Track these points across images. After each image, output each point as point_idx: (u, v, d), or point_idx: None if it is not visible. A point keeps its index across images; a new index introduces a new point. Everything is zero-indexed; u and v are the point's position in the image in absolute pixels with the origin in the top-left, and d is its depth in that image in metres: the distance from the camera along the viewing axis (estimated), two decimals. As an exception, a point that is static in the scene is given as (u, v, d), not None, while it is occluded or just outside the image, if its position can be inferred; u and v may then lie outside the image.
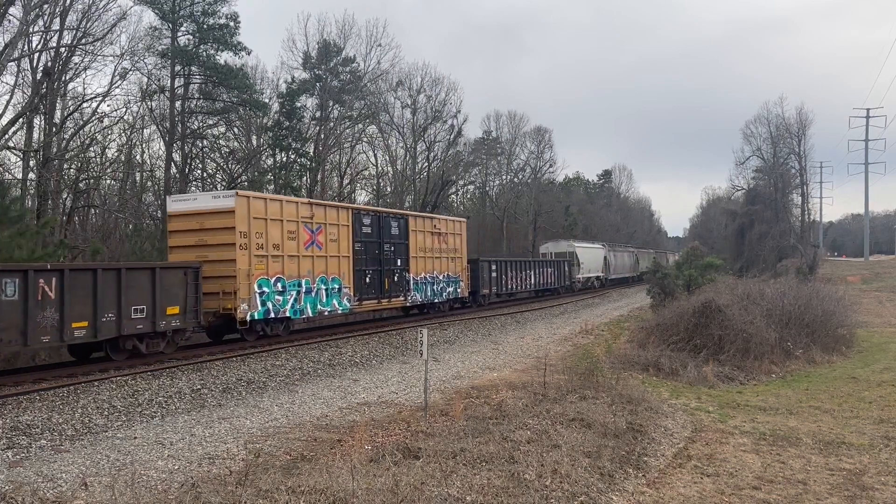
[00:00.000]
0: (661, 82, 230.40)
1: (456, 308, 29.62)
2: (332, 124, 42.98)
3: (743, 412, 13.31)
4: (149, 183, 37.50)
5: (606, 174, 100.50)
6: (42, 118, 27.86)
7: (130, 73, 32.12)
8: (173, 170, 34.97)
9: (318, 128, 42.34)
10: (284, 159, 39.92)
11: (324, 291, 20.10)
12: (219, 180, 38.96)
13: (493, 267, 32.42)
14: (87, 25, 27.34)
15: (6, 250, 17.08)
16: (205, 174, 39.25)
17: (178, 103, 34.43)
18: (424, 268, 25.65)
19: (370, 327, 23.18)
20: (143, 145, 38.67)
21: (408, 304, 24.88)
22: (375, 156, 52.98)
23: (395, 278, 23.74)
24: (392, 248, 23.59)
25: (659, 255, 73.84)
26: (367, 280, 22.23)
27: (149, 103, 35.17)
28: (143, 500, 7.00)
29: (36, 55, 26.95)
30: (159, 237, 30.49)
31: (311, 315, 19.86)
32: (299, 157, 39.83)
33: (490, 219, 64.38)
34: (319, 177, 43.00)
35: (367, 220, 22.48)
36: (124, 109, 34.17)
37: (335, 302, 20.67)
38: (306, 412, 12.10)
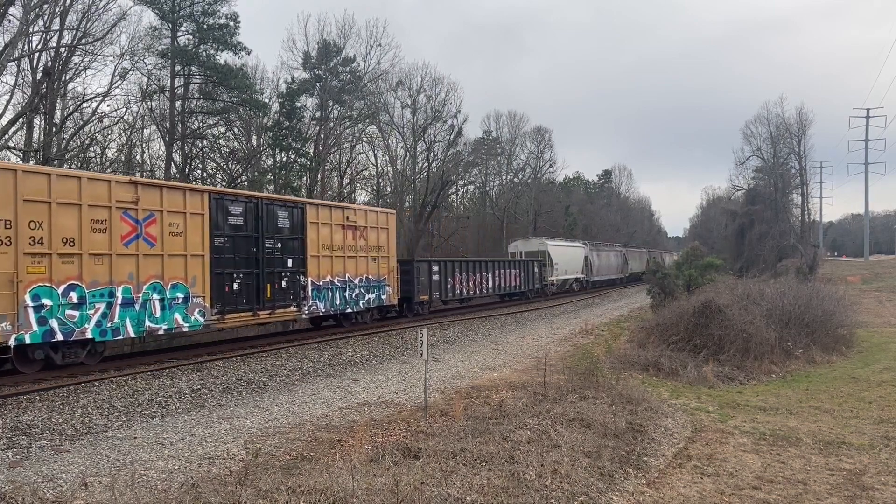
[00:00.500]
0: (661, 82, 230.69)
1: (389, 318, 25.88)
2: (332, 124, 42.99)
3: (743, 412, 13.30)
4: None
5: (606, 174, 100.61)
6: (42, 118, 27.89)
7: (130, 73, 32.22)
8: (173, 170, 34.98)
9: (318, 128, 42.36)
10: (284, 159, 39.95)
11: (157, 302, 15.19)
12: (219, 180, 39.00)
13: (436, 268, 27.86)
14: (87, 25, 27.40)
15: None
16: (205, 174, 39.28)
17: (178, 103, 34.45)
18: (331, 270, 20.63)
19: (370, 327, 23.17)
20: (143, 145, 38.74)
21: (304, 316, 19.79)
22: (375, 156, 53.05)
23: (283, 283, 18.83)
24: (279, 246, 18.66)
25: (653, 255, 71.85)
26: (235, 287, 17.41)
27: (149, 103, 35.24)
28: (143, 500, 7.00)
29: (36, 55, 26.97)
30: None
31: (134, 334, 14.86)
32: (299, 157, 39.85)
33: (490, 219, 64.43)
34: (319, 177, 43.02)
35: (235, 209, 17.56)
36: (124, 109, 34.27)
37: (178, 316, 15.75)
38: (306, 412, 12.10)
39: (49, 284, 13.10)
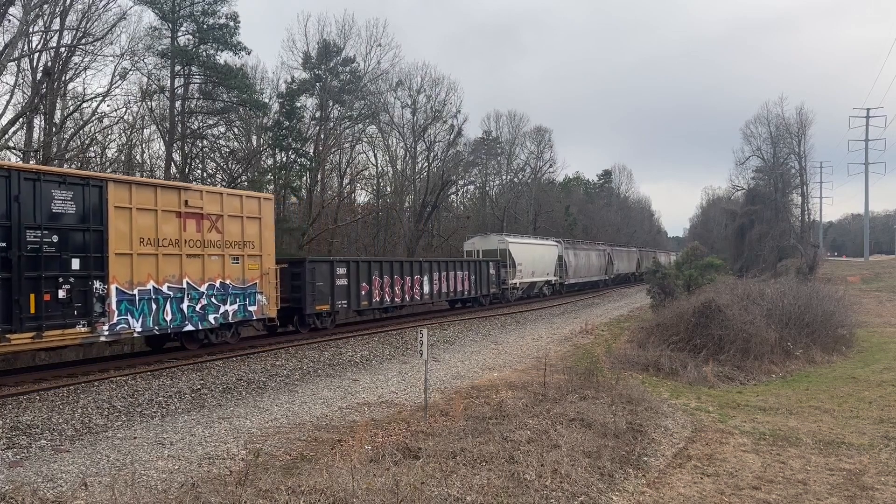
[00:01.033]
0: (661, 82, 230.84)
1: (260, 335, 20.43)
2: (332, 124, 42.97)
3: (743, 412, 13.30)
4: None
5: (606, 174, 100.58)
6: (42, 118, 27.87)
7: (130, 73, 32.15)
8: (173, 170, 34.95)
9: (318, 128, 42.33)
10: (284, 159, 39.92)
11: None
12: (219, 180, 38.98)
13: (341, 270, 21.83)
14: (87, 25, 27.36)
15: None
16: (205, 174, 39.25)
17: (178, 103, 34.43)
18: (156, 273, 15.25)
19: (371, 328, 23.17)
20: (143, 145, 38.70)
21: (103, 337, 14.13)
22: (375, 156, 52.99)
23: (62, 293, 13.37)
24: (54, 239, 13.26)
25: (645, 254, 69.12)
26: None
27: (149, 103, 35.21)
28: (143, 500, 7.00)
29: (36, 55, 26.96)
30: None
31: None
32: (299, 157, 39.82)
33: (490, 219, 64.37)
34: (319, 177, 42.99)
35: None
36: (124, 109, 34.23)
37: None
38: (306, 412, 12.10)
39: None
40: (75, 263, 13.78)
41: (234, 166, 38.62)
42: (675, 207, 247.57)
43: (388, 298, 24.44)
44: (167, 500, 7.00)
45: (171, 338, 17.16)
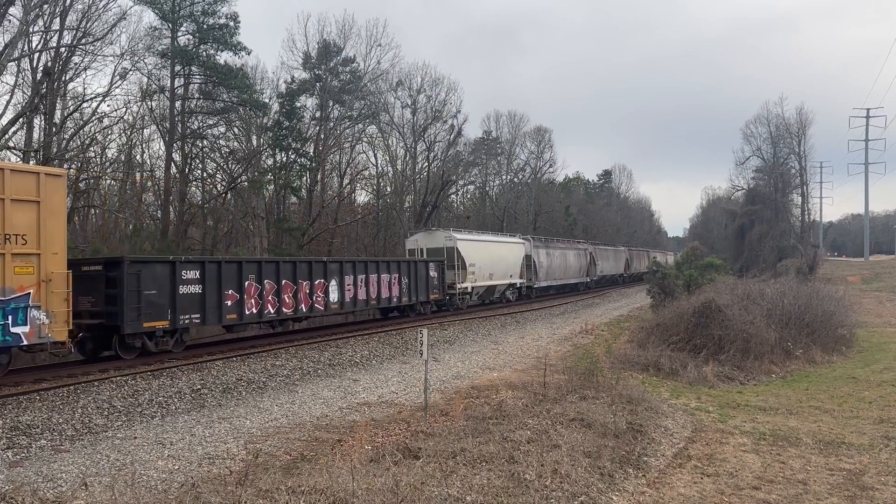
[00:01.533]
0: (661, 82, 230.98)
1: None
2: (332, 124, 42.98)
3: (743, 412, 13.30)
4: (149, 183, 37.54)
5: (606, 174, 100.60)
6: (42, 118, 27.87)
7: (130, 73, 32.15)
8: (173, 170, 34.97)
9: (318, 128, 42.34)
10: (284, 159, 39.93)
11: None
12: (219, 180, 39.00)
13: (190, 274, 16.70)
14: (87, 25, 27.36)
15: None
16: (205, 174, 39.29)
17: (178, 103, 34.44)
18: None
19: (371, 327, 23.16)
20: (143, 145, 38.74)
21: None
22: (375, 156, 53.00)
23: None
24: None
25: (637, 255, 65.30)
26: None
27: (149, 103, 35.24)
28: (143, 500, 7.00)
29: (36, 55, 26.96)
30: (159, 237, 30.56)
31: None
32: (299, 157, 39.83)
33: (490, 219, 64.37)
34: (319, 177, 43.01)
35: None
36: (124, 109, 34.22)
37: None
38: (306, 412, 12.10)
39: None
40: None
41: (234, 166, 38.64)
42: (675, 207, 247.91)
43: (271, 309, 18.86)
44: (167, 500, 7.00)
45: None
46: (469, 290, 30.62)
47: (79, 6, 27.21)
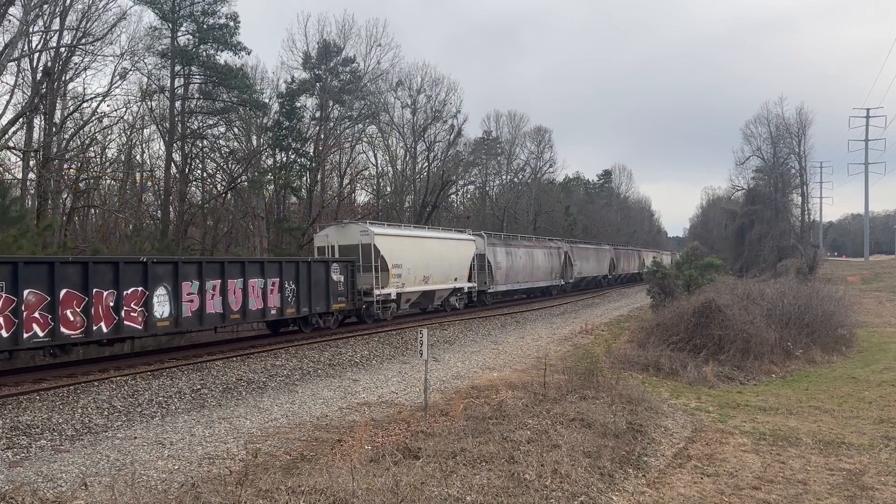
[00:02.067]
0: (661, 82, 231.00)
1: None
2: (332, 124, 42.99)
3: (743, 412, 13.30)
4: (149, 183, 37.56)
5: (606, 174, 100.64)
6: (42, 118, 27.90)
7: (130, 73, 32.22)
8: (173, 170, 34.98)
9: (318, 128, 42.36)
10: (284, 159, 39.95)
11: None
12: (219, 180, 39.02)
13: None
14: (87, 25, 27.40)
15: (7, 251, 17.09)
16: (205, 174, 39.30)
17: (178, 103, 34.46)
18: None
19: (371, 327, 23.16)
20: (143, 145, 38.79)
21: None
22: (375, 156, 53.04)
23: None
24: None
25: (626, 255, 61.60)
26: None
27: (149, 103, 35.27)
28: (143, 500, 7.00)
29: (36, 55, 26.97)
30: (159, 237, 30.56)
31: None
32: (299, 157, 39.85)
33: (490, 219, 64.38)
34: (319, 177, 43.01)
35: None
36: (124, 109, 34.28)
37: None
38: (306, 412, 12.10)
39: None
40: None
41: (234, 166, 38.67)
42: (675, 207, 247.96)
43: (38, 332, 13.11)
44: (167, 500, 7.00)
45: None
46: (393, 296, 24.74)
47: (79, 6, 27.26)
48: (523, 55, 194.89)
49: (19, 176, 26.80)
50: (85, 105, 30.47)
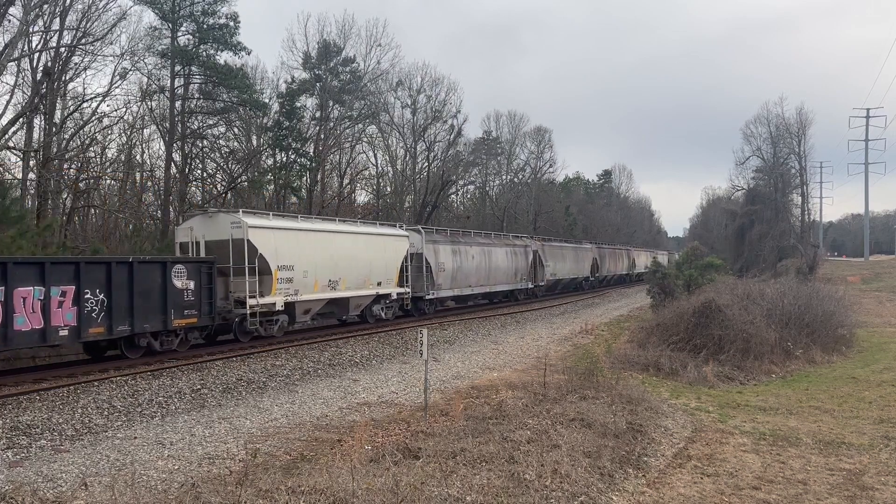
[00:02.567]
0: (661, 82, 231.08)
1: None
2: (332, 124, 42.97)
3: (743, 412, 13.30)
4: (149, 183, 37.55)
5: (606, 174, 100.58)
6: (42, 118, 27.87)
7: (130, 73, 32.14)
8: (173, 170, 34.95)
9: (318, 128, 42.33)
10: (284, 159, 39.92)
11: None
12: (219, 180, 39.00)
13: None
14: (87, 25, 27.34)
15: (6, 251, 17.09)
16: (205, 174, 39.28)
17: (178, 103, 34.43)
18: None
19: (370, 327, 23.15)
20: (143, 145, 38.72)
21: None
22: (375, 156, 53.00)
23: None
24: None
25: (613, 255, 57.76)
26: None
27: (149, 103, 35.22)
28: (143, 500, 7.00)
29: (36, 55, 26.95)
30: (159, 237, 30.55)
31: None
32: (299, 157, 39.83)
33: (490, 219, 64.35)
34: (319, 177, 42.99)
35: None
36: (124, 109, 34.22)
37: None
38: (306, 412, 12.10)
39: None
40: None
41: (234, 166, 38.65)
42: (675, 207, 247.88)
43: None
44: (167, 500, 7.00)
45: None
46: (279, 307, 19.20)
47: (79, 6, 27.21)
48: (523, 55, 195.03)
49: (19, 176, 26.80)
50: (85, 105, 30.46)
